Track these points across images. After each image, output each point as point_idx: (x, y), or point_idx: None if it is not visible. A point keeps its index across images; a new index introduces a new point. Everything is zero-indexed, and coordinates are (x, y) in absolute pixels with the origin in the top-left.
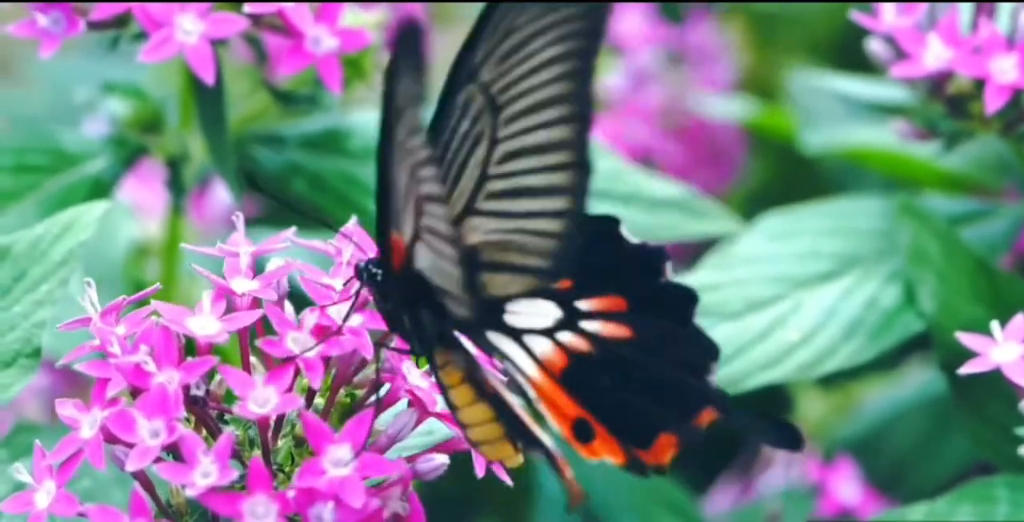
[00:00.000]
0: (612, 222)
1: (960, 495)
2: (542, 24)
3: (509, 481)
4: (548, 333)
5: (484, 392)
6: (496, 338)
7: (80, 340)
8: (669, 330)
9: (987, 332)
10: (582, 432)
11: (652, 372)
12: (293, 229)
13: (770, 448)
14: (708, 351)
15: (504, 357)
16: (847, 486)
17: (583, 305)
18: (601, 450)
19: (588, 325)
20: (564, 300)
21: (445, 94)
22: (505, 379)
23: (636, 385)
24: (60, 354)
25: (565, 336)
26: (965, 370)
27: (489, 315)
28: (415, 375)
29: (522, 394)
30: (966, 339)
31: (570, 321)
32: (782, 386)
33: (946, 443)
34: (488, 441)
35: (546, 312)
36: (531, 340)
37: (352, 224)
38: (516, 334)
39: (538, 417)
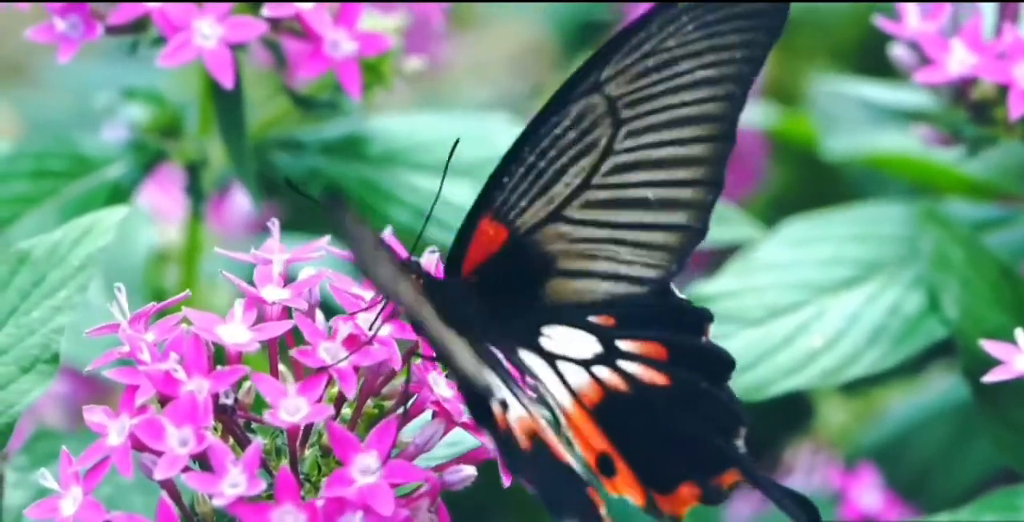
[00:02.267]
0: None
1: (983, 504)
2: (696, 48)
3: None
4: (585, 365)
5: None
6: (529, 358)
7: (100, 346)
8: (704, 388)
9: (1011, 339)
10: (605, 466)
11: (682, 424)
12: (327, 238)
13: (791, 455)
14: (738, 417)
15: (535, 378)
16: (869, 493)
17: (623, 345)
18: (622, 487)
19: (626, 365)
20: (605, 336)
21: (556, 103)
22: (534, 397)
23: (665, 433)
24: (79, 360)
25: (602, 371)
26: (989, 378)
27: (523, 334)
28: (441, 386)
29: (551, 414)
30: (990, 347)
31: (609, 358)
32: (804, 393)
33: (969, 450)
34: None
35: (586, 344)
36: (566, 368)
37: (387, 233)
38: (550, 358)
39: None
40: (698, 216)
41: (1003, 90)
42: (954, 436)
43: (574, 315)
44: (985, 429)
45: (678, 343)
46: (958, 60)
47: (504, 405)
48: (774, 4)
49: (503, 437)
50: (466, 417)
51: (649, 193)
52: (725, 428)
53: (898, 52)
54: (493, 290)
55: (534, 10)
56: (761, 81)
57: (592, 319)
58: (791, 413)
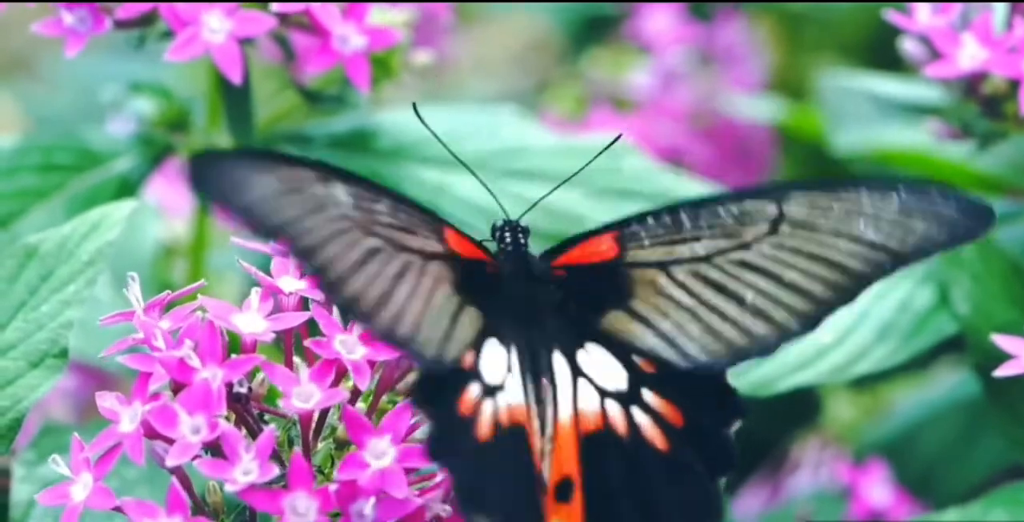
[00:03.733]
0: None
1: (993, 499)
2: (884, 218)
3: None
4: (602, 394)
5: None
6: (559, 362)
7: (108, 341)
8: (696, 473)
9: (1022, 334)
10: (563, 491)
11: (654, 495)
12: None
13: (799, 451)
14: (709, 512)
15: (552, 382)
16: (878, 489)
17: (648, 395)
18: (564, 516)
19: (638, 414)
20: (637, 378)
21: (737, 196)
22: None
23: (633, 492)
24: (87, 355)
25: (613, 408)
26: (1001, 373)
27: (568, 340)
28: None
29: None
30: (1002, 341)
31: (627, 399)
32: (812, 388)
33: (977, 446)
34: None
35: (615, 377)
36: (584, 387)
37: None
38: (576, 372)
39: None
40: (775, 337)
41: (1014, 85)
42: (963, 432)
43: (623, 346)
44: (995, 424)
45: (699, 420)
46: (969, 54)
47: (493, 389)
48: (971, 224)
49: (447, 419)
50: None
51: (750, 296)
52: (695, 514)
53: (908, 46)
54: (567, 291)
55: (539, 5)
56: (769, 74)
57: (636, 358)
58: (799, 409)
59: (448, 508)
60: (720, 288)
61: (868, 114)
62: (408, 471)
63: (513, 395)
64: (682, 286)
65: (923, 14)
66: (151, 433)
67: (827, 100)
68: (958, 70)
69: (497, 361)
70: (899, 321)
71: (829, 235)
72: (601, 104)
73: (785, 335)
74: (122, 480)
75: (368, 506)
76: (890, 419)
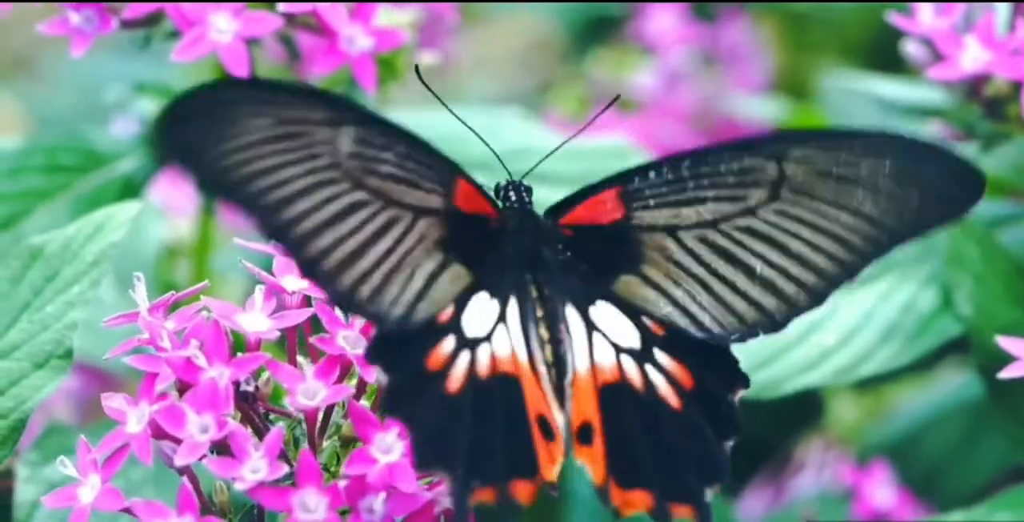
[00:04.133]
0: None
1: (998, 501)
2: (879, 185)
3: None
4: (617, 349)
5: None
6: (572, 315)
7: (112, 342)
8: (706, 434)
9: None
10: (585, 434)
11: (671, 446)
12: None
13: (803, 452)
14: (719, 473)
15: (567, 331)
16: (881, 490)
17: (660, 355)
18: (588, 460)
19: (652, 372)
20: (649, 340)
21: (740, 146)
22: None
23: (652, 442)
24: (91, 356)
25: (629, 363)
26: (1005, 374)
27: (579, 295)
28: None
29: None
30: (1005, 343)
31: (641, 357)
32: (815, 390)
33: (981, 447)
34: None
35: (628, 335)
36: (599, 341)
37: None
38: (590, 326)
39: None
40: (785, 311)
41: (1017, 87)
42: (967, 433)
43: (634, 308)
44: (999, 426)
45: (708, 385)
46: (971, 56)
47: (475, 341)
48: (964, 196)
49: (409, 374)
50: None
51: (759, 266)
52: (704, 473)
53: (911, 48)
54: (575, 250)
55: (542, 6)
56: (772, 75)
57: (645, 320)
58: (803, 410)
59: None
60: (729, 257)
61: (871, 116)
62: None
63: (502, 345)
64: (691, 253)
65: (925, 16)
66: (158, 433)
67: (830, 101)
68: (960, 72)
69: (485, 315)
70: (903, 323)
71: (830, 206)
72: (604, 104)
73: (794, 310)
74: (128, 481)
75: (378, 501)
76: (894, 420)
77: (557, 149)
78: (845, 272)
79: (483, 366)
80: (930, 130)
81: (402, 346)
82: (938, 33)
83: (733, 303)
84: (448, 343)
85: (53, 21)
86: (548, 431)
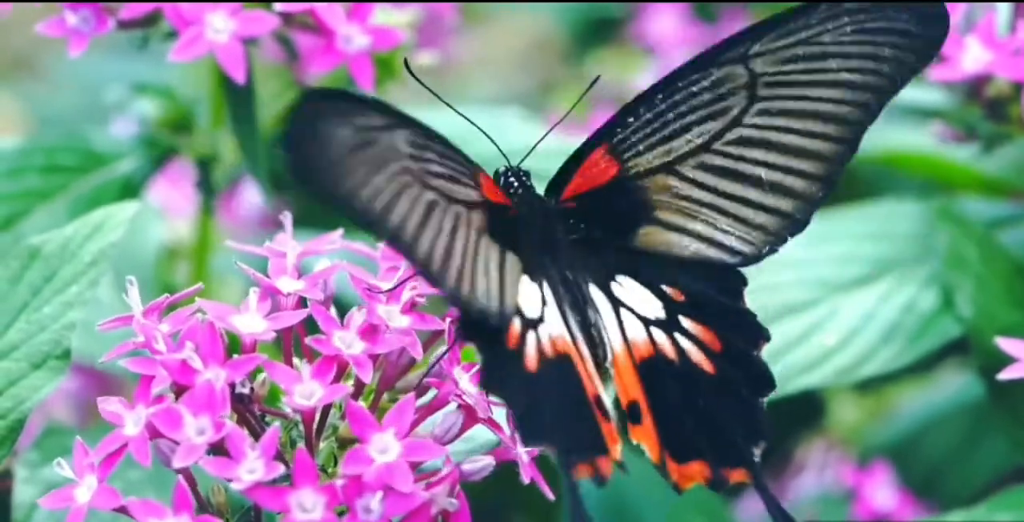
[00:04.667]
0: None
1: (998, 502)
2: (848, 50)
3: (550, 495)
4: (646, 323)
5: None
6: (596, 294)
7: (110, 342)
8: (742, 393)
9: None
10: (634, 413)
11: (714, 411)
12: (340, 231)
13: (804, 453)
14: (761, 431)
15: (596, 312)
16: (882, 491)
17: (686, 322)
18: (643, 437)
19: (682, 340)
20: (672, 308)
21: (701, 62)
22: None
23: (697, 411)
24: (89, 356)
25: (660, 335)
26: (1005, 375)
27: (598, 272)
28: (465, 380)
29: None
30: (1005, 344)
31: (669, 326)
32: (816, 391)
33: (982, 448)
34: None
35: (652, 306)
36: (627, 317)
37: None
38: (616, 303)
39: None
40: (803, 208)
41: (1018, 87)
42: (967, 434)
43: (650, 276)
44: (999, 427)
45: (734, 344)
46: (973, 57)
47: (535, 322)
48: (931, 33)
49: (497, 352)
50: (487, 411)
51: (763, 173)
52: (749, 434)
53: None
54: (586, 221)
55: (543, 6)
56: None
57: (665, 288)
58: (804, 411)
59: (455, 502)
60: (733, 174)
61: None
62: (413, 466)
63: (554, 326)
64: (696, 183)
65: None
66: (155, 435)
67: None
68: (962, 73)
69: (532, 296)
70: (904, 324)
71: (809, 88)
72: (606, 105)
73: (812, 203)
74: (126, 482)
75: (375, 501)
76: (895, 421)
77: (535, 146)
78: (847, 148)
79: (546, 346)
80: (932, 131)
81: (482, 325)
82: None
83: (753, 217)
84: (516, 324)
85: (51, 21)
86: (604, 411)
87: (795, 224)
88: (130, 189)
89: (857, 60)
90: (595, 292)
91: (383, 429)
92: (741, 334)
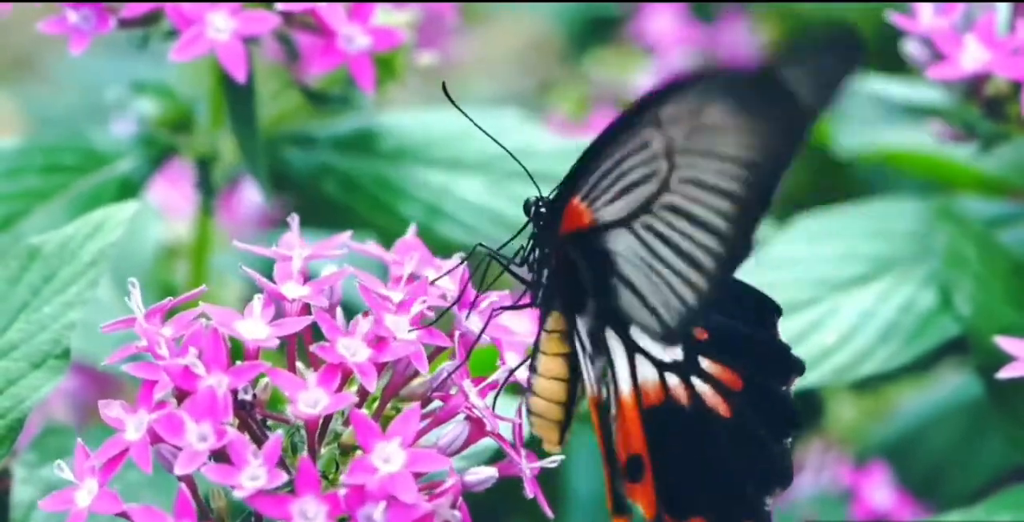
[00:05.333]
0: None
1: (997, 502)
2: (730, 124)
3: (549, 512)
4: (660, 366)
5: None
6: (613, 339)
7: (110, 342)
8: (760, 435)
9: None
10: (634, 469)
11: (723, 461)
12: (349, 233)
13: (802, 453)
14: (781, 475)
15: (609, 359)
16: (880, 491)
17: (705, 362)
18: (639, 495)
19: (698, 383)
20: (691, 347)
21: (629, 117)
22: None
23: (703, 462)
24: (89, 356)
25: (672, 379)
26: (1004, 374)
27: (619, 315)
28: (474, 394)
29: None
30: (1004, 343)
31: (685, 369)
32: (814, 390)
33: (981, 447)
34: (543, 417)
35: (672, 349)
36: (641, 361)
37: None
38: (632, 347)
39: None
40: (708, 284)
41: (1017, 86)
42: (966, 433)
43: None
44: (998, 426)
45: (759, 382)
46: (972, 56)
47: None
48: (791, 115)
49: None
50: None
51: (684, 244)
52: (763, 481)
53: (911, 48)
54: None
55: (541, 6)
56: None
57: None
58: (802, 410)
59: (457, 514)
60: (664, 239)
61: (872, 115)
62: (417, 476)
63: (588, 377)
64: (643, 242)
65: (925, 15)
66: (156, 440)
67: None
68: (960, 72)
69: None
70: (902, 322)
71: (708, 159)
72: (604, 105)
73: (712, 278)
74: (125, 484)
75: (377, 511)
76: (893, 421)
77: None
78: (737, 225)
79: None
80: (931, 130)
81: None
82: (938, 33)
83: (675, 285)
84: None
85: (51, 20)
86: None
87: (701, 299)
88: (129, 189)
89: (737, 135)
90: (611, 336)
91: (387, 438)
92: (770, 369)
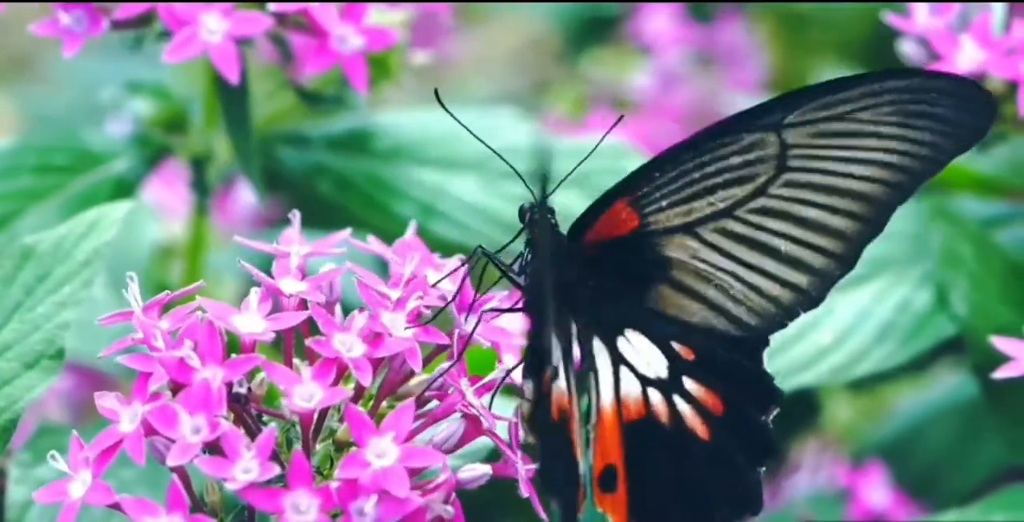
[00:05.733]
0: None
1: (993, 502)
2: (885, 130)
3: (543, 514)
4: (644, 381)
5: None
6: (599, 349)
7: (104, 342)
8: (736, 461)
9: (1020, 336)
10: (607, 480)
11: (698, 481)
12: (348, 231)
13: (798, 453)
14: (753, 501)
15: (594, 368)
16: (877, 491)
17: (688, 382)
18: (611, 507)
19: (680, 402)
20: (677, 366)
21: (734, 124)
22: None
23: (678, 480)
24: (83, 356)
25: (655, 395)
26: (999, 374)
27: (607, 325)
28: (471, 392)
29: (588, 407)
30: (1000, 343)
31: (669, 387)
32: (811, 390)
33: (977, 447)
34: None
35: (656, 364)
36: (626, 374)
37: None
38: (617, 359)
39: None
40: (818, 284)
41: (1012, 87)
42: (962, 433)
43: (662, 332)
44: (994, 426)
45: (739, 407)
46: (967, 56)
47: (555, 373)
48: (973, 122)
49: (543, 394)
50: (488, 418)
51: (783, 245)
52: (736, 505)
53: (907, 48)
54: (602, 270)
55: (538, 5)
56: (769, 75)
57: (675, 345)
58: (798, 410)
59: (450, 509)
60: (752, 242)
61: None
62: (410, 471)
63: (561, 380)
64: (714, 247)
65: (921, 15)
66: (151, 433)
67: None
68: (956, 72)
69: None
70: (899, 322)
71: (839, 163)
72: (601, 104)
73: (827, 281)
74: (120, 480)
75: (369, 504)
76: (889, 421)
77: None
78: (871, 227)
79: (558, 399)
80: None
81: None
82: (934, 33)
83: (767, 288)
84: (548, 369)
85: (44, 22)
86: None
87: (808, 300)
88: (124, 189)
89: (894, 141)
90: (599, 347)
91: (381, 433)
92: (749, 397)
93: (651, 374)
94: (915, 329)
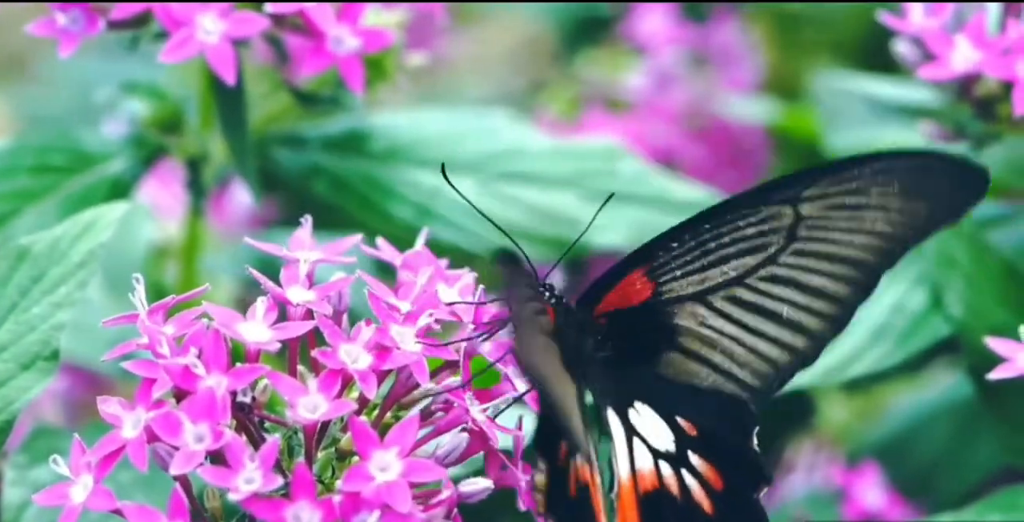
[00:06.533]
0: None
1: (988, 503)
2: (889, 204)
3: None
4: (655, 454)
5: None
6: (613, 419)
7: (99, 343)
8: None
9: (1015, 336)
10: None
11: None
12: (360, 236)
13: (793, 454)
14: None
15: (610, 438)
16: (872, 491)
17: (694, 458)
18: None
19: (688, 477)
20: (682, 442)
21: (754, 197)
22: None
23: None
24: (79, 357)
25: (666, 469)
26: (994, 375)
27: (619, 396)
28: (476, 408)
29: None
30: (995, 344)
31: (677, 461)
32: (806, 390)
33: (973, 448)
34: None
35: (664, 438)
36: (639, 446)
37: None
38: (630, 430)
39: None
40: (813, 347)
41: (1007, 86)
42: (957, 434)
43: (667, 406)
44: (989, 427)
45: (736, 485)
46: (962, 56)
47: (573, 448)
48: (968, 196)
49: (559, 471)
50: (500, 442)
51: (785, 310)
52: None
53: (902, 48)
54: (613, 340)
55: (533, 6)
56: (764, 75)
57: (679, 420)
58: (793, 411)
59: None
60: (757, 309)
61: (863, 116)
62: (413, 485)
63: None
64: (722, 314)
65: (916, 15)
66: (153, 439)
67: (822, 101)
68: (951, 72)
69: None
70: (893, 323)
71: (844, 234)
72: (595, 105)
73: (822, 340)
74: (118, 484)
75: (371, 519)
76: (884, 421)
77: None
78: (863, 293)
79: (577, 472)
80: (922, 130)
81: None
82: (929, 33)
83: (767, 351)
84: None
85: (40, 22)
86: None
87: (802, 361)
88: (120, 189)
89: (896, 214)
90: (612, 419)
91: (385, 447)
92: (744, 475)
93: (661, 448)
94: (910, 330)
